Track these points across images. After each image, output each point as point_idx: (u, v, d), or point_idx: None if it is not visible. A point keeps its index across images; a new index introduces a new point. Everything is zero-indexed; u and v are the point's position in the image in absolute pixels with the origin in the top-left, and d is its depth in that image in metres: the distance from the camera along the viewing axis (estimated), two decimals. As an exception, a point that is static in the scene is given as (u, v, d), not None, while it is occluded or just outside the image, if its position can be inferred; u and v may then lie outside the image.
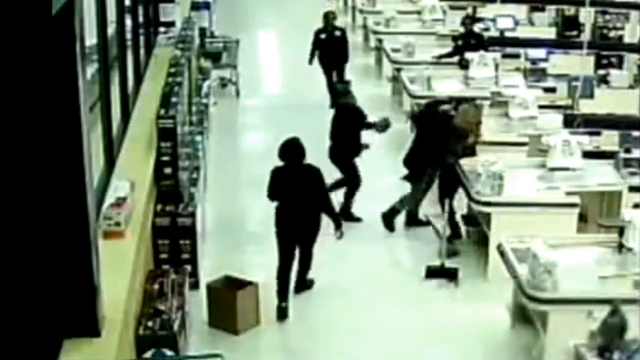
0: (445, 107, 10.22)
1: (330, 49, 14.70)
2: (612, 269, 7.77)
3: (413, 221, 10.35)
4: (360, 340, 8.03)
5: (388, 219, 10.22)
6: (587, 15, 15.56)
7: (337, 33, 14.87)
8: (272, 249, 9.81)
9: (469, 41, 14.38)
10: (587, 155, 9.92)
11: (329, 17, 14.90)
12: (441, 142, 9.88)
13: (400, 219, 10.34)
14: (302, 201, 8.37)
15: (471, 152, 10.07)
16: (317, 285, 8.96)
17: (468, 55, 13.64)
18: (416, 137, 10.48)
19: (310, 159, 8.52)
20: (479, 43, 14.25)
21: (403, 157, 10.37)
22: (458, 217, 9.95)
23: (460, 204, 9.95)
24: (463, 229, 10.02)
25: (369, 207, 10.49)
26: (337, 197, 9.82)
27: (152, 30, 11.91)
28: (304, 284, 8.86)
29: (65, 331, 4.85)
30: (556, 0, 17.42)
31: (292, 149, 8.42)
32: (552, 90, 13.05)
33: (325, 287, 8.99)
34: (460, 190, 9.79)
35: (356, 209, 10.50)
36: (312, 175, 8.43)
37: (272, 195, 8.50)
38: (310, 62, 14.82)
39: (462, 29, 14.88)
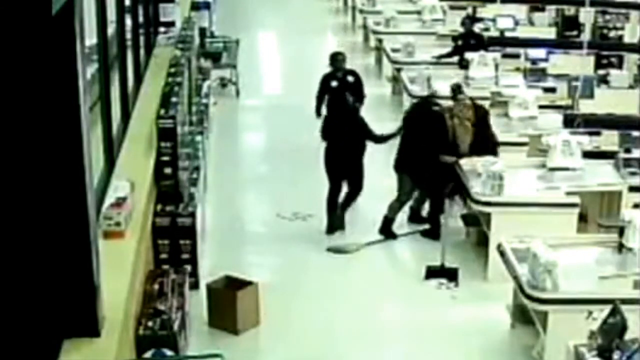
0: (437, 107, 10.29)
1: (343, 98, 11.38)
2: (612, 269, 7.77)
3: (416, 218, 10.35)
4: (360, 340, 8.02)
5: (385, 230, 10.12)
6: (587, 15, 15.55)
7: (350, 79, 12.02)
8: (272, 249, 9.86)
9: (469, 41, 14.39)
10: (587, 155, 9.92)
11: (337, 59, 11.97)
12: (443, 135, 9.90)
13: (402, 218, 10.37)
14: (346, 141, 9.98)
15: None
16: (317, 286, 8.98)
17: (468, 55, 13.65)
18: (408, 138, 10.15)
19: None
20: (479, 43, 14.26)
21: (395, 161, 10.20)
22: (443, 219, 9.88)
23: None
24: (463, 229, 10.03)
25: (368, 206, 10.47)
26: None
27: (152, 30, 11.91)
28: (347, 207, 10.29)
29: (65, 331, 4.85)
30: (556, 0, 17.42)
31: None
32: (552, 90, 13.07)
33: (325, 287, 9.00)
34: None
35: (357, 209, 10.49)
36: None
37: (323, 134, 10.23)
38: (319, 112, 11.92)
39: (462, 29, 14.88)
